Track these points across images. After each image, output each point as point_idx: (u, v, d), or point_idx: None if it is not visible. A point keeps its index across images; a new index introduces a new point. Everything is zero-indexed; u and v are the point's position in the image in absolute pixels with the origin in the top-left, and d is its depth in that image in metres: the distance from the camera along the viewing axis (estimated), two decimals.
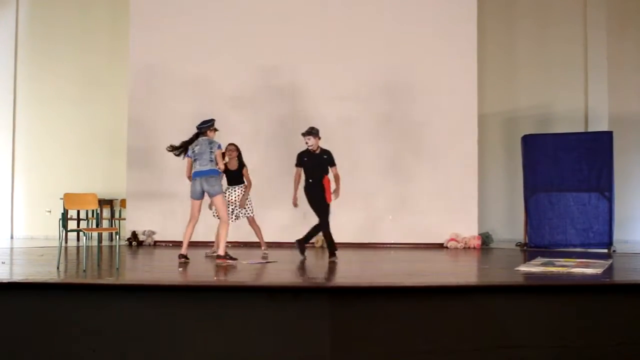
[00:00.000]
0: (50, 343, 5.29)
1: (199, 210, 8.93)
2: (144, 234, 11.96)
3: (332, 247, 9.22)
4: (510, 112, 13.18)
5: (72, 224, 12.10)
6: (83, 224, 12.42)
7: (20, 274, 7.56)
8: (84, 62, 13.48)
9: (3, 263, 8.44)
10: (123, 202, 12.85)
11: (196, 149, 8.83)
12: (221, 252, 8.69)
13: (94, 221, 11.56)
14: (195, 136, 8.98)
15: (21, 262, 8.56)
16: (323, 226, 9.16)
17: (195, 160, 8.82)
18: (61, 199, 9.06)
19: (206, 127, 8.97)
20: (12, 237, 13.37)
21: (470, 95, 12.09)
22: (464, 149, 12.03)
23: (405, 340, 3.51)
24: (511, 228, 12.68)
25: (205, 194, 8.80)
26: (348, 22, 12.27)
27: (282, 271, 8.15)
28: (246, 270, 8.08)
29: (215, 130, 9.08)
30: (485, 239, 12.11)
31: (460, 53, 12.13)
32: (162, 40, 12.34)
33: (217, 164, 8.80)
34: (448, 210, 11.93)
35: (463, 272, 8.76)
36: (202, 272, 8.21)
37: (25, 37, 13.71)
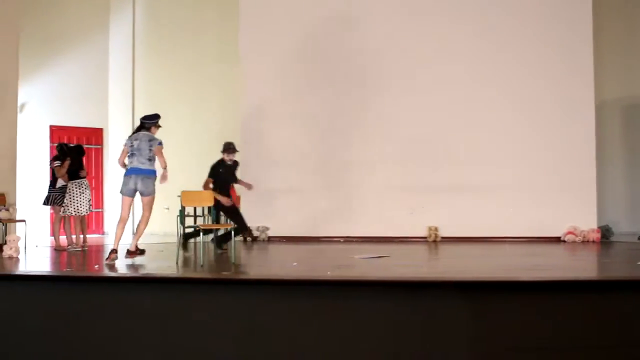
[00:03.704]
0: (172, 334, 5.46)
1: (129, 209, 8.46)
2: (258, 229, 12.17)
3: None
4: (632, 99, 12.57)
5: (189, 221, 12.45)
6: (199, 221, 12.74)
7: (142, 269, 7.92)
8: (196, 61, 13.90)
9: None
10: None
11: (135, 143, 8.34)
12: (132, 247, 8.55)
13: (210, 218, 11.88)
14: (138, 129, 8.57)
15: (143, 258, 8.88)
16: None
17: (132, 154, 8.31)
18: (178, 196, 9.33)
19: (151, 123, 8.58)
20: (133, 233, 13.88)
21: (587, 81, 11.57)
22: (581, 138, 11.56)
23: (536, 335, 3.43)
24: (633, 220, 12.11)
25: (138, 192, 8.33)
26: (473, 24, 12.06)
27: (400, 266, 8.09)
28: (362, 265, 8.07)
29: (159, 127, 8.68)
30: (605, 232, 11.60)
31: (575, 34, 11.65)
32: (271, 37, 12.54)
33: (158, 160, 8.38)
34: (565, 202, 11.48)
35: (585, 266, 8.44)
36: (317, 267, 8.29)
37: (140, 41, 14.26)
